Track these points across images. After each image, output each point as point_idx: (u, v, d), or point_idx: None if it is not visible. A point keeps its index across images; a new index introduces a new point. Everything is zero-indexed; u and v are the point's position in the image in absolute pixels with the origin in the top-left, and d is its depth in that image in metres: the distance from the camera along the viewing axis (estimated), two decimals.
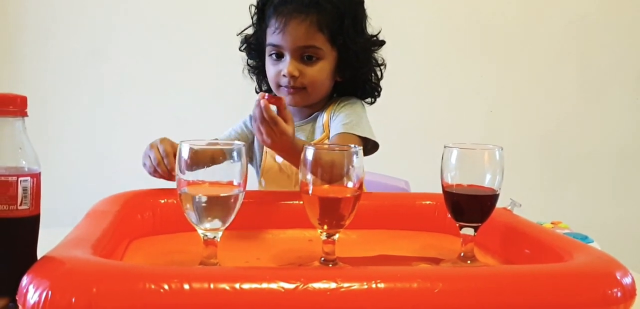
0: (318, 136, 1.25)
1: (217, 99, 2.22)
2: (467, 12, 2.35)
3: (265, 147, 1.32)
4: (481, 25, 2.36)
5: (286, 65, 1.18)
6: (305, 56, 1.18)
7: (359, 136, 1.16)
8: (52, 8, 2.17)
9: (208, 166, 0.79)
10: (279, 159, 1.26)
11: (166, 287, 0.56)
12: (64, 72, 2.19)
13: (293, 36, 1.16)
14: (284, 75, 1.18)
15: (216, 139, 1.09)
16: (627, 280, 0.67)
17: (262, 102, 0.89)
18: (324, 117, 1.25)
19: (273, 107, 0.91)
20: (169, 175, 1.00)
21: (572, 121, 2.44)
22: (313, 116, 1.28)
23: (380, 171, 1.50)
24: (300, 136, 1.26)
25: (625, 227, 2.43)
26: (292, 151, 0.96)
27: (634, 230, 2.47)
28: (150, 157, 1.01)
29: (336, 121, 1.20)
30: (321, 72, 1.20)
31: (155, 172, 1.01)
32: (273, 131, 0.91)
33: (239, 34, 1.30)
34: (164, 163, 0.99)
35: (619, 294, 0.64)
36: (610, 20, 2.40)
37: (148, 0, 2.21)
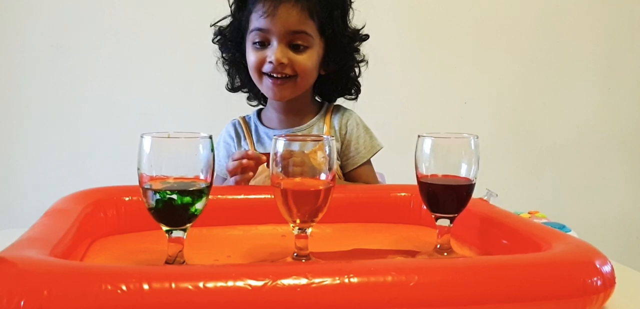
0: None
1: (185, 95, 2.17)
2: (440, 3, 2.34)
3: None
4: (455, 17, 2.35)
5: (273, 51, 1.13)
6: (294, 44, 1.14)
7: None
8: (14, 1, 2.09)
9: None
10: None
11: (124, 288, 0.53)
12: (27, 66, 2.12)
13: (283, 20, 1.12)
14: (270, 62, 1.14)
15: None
16: (606, 268, 0.65)
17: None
18: (323, 128, 1.23)
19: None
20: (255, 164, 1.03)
21: (547, 112, 2.44)
22: (307, 124, 1.25)
23: None
24: None
25: (601, 217, 2.45)
26: None
27: (610, 219, 2.49)
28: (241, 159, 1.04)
29: (356, 150, 1.27)
30: (310, 59, 1.16)
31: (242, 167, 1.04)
32: None
33: (213, 24, 1.25)
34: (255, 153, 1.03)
35: (599, 283, 0.62)
36: (583, 11, 2.42)
37: None
